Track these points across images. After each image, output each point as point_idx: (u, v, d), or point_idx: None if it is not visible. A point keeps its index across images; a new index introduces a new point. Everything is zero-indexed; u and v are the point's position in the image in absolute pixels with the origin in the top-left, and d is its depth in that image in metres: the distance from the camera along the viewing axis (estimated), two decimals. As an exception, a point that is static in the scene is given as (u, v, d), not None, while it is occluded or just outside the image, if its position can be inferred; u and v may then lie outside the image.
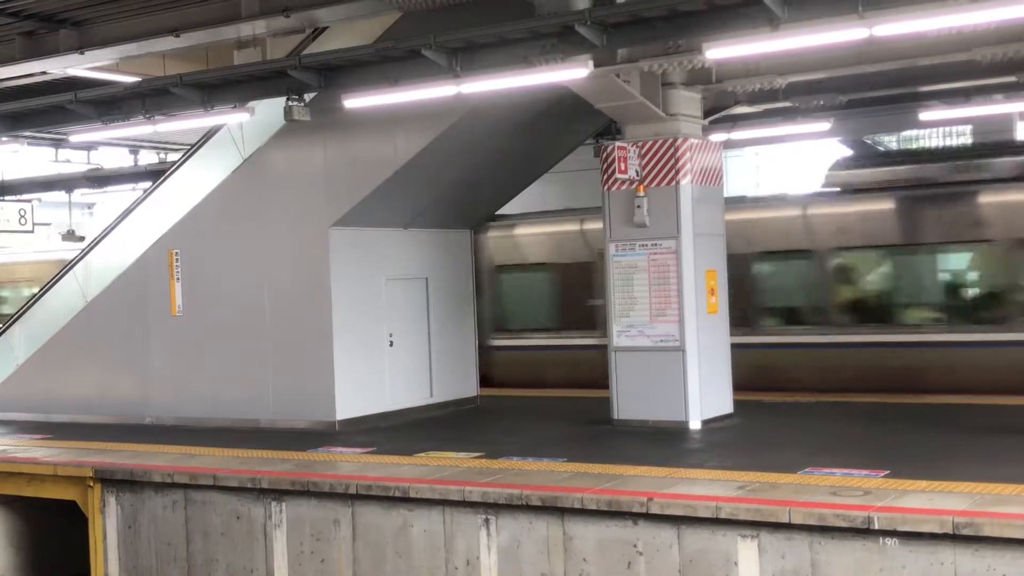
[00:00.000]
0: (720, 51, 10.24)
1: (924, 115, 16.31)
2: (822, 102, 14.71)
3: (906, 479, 8.79)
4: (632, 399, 12.60)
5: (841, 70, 12.62)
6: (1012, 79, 13.37)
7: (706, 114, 13.30)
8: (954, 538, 7.45)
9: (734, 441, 11.59)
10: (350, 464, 11.03)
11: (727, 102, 13.97)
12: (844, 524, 7.81)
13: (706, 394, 12.48)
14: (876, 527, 7.69)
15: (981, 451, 10.14)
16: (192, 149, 14.83)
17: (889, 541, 7.68)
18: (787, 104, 15.13)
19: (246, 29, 12.05)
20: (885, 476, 8.98)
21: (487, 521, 9.26)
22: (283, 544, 10.34)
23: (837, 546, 7.86)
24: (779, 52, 10.79)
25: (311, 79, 12.13)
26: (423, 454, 11.21)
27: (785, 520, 8.00)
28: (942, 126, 21.94)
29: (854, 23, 9.33)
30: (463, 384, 15.30)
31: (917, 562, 7.58)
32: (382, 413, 13.92)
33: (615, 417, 12.70)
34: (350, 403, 13.54)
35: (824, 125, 16.47)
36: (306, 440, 12.54)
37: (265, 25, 11.94)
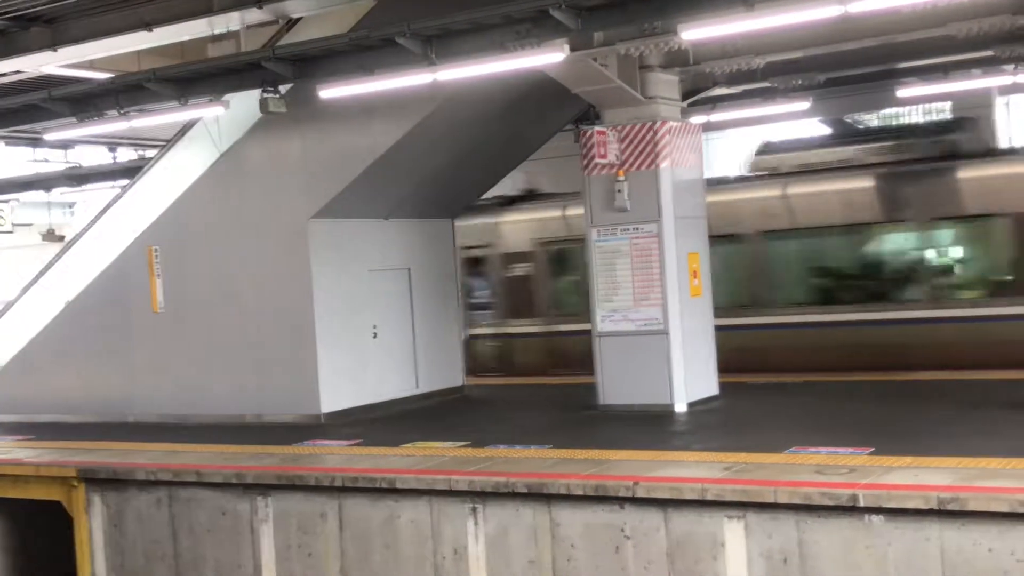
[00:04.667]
0: (696, 32, 10.21)
1: (903, 92, 16.34)
2: (800, 81, 14.69)
3: (891, 456, 8.78)
4: (617, 384, 12.57)
5: (818, 48, 12.58)
6: (989, 53, 13.37)
7: (684, 96, 13.26)
8: (940, 513, 7.44)
9: (719, 423, 11.59)
10: (336, 457, 10.99)
11: (705, 84, 13.93)
12: (830, 502, 7.79)
13: (691, 377, 12.45)
14: (862, 505, 7.68)
15: (966, 426, 10.14)
16: (168, 145, 14.72)
17: (875, 518, 7.67)
18: (766, 84, 15.12)
19: (219, 22, 11.96)
20: (870, 454, 8.98)
21: (474, 510, 9.23)
22: (270, 539, 10.29)
23: (823, 524, 7.85)
24: (755, 32, 10.76)
25: (286, 70, 12.05)
26: (409, 444, 11.17)
27: (771, 500, 7.99)
28: (921, 103, 21.98)
29: (828, 0, 9.30)
30: (448, 374, 15.26)
31: (903, 539, 7.58)
32: (368, 405, 13.87)
33: (600, 402, 12.67)
34: (335, 396, 13.48)
35: (803, 104, 16.45)
36: (292, 434, 12.48)
37: (238, 17, 11.86)
